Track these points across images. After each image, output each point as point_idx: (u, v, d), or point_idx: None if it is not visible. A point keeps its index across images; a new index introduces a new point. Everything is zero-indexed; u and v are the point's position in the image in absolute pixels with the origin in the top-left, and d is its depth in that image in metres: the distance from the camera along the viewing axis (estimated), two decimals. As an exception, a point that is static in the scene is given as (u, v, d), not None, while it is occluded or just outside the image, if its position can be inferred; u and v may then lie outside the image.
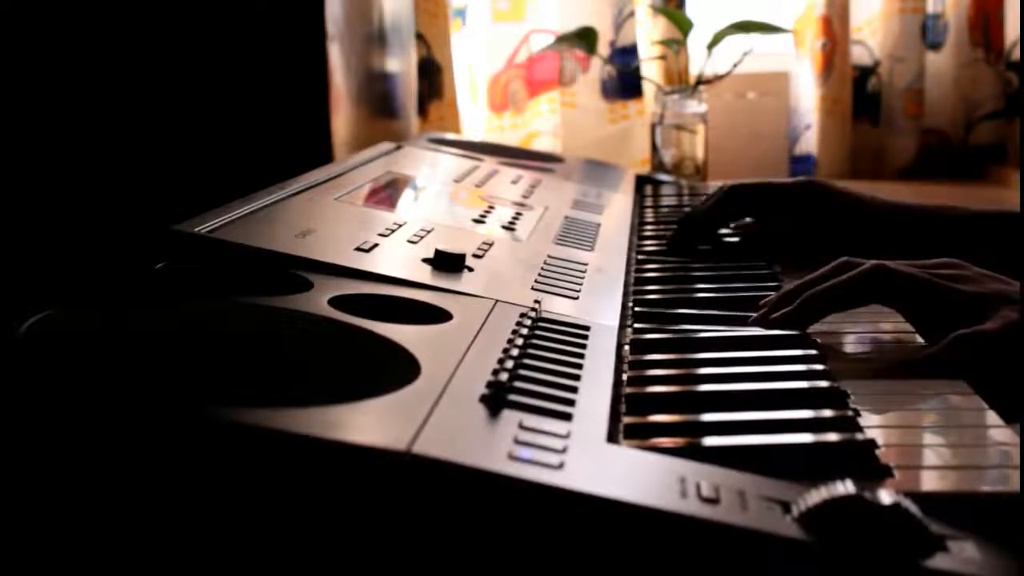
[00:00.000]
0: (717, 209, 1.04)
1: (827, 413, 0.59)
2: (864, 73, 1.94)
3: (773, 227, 1.04)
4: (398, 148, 1.26)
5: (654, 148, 1.61)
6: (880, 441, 0.55)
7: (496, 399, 0.51)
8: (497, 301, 0.71)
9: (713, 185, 1.49)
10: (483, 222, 0.95)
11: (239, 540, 0.44)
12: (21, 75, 1.11)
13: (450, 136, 1.57)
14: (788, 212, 1.02)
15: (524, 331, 0.63)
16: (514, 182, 1.18)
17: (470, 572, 0.44)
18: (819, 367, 0.66)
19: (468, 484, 0.44)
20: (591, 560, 0.43)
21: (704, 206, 1.05)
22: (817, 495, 0.44)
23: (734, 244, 1.05)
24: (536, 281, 0.78)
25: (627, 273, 0.90)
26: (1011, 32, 1.92)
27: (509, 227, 0.95)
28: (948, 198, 1.04)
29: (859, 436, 0.55)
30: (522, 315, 0.67)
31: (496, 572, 0.43)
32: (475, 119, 1.91)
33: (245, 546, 0.44)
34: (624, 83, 1.86)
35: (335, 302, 0.64)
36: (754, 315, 0.76)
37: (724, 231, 1.06)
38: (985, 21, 1.92)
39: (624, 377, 0.64)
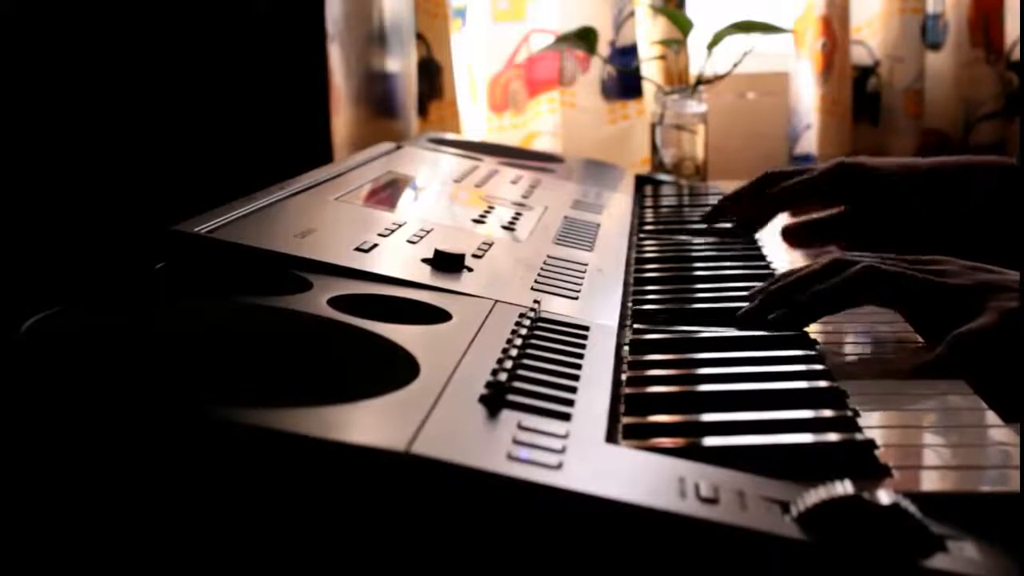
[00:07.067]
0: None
1: (826, 413, 0.59)
2: (864, 73, 1.94)
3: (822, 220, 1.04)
4: (398, 148, 1.26)
5: (654, 148, 1.61)
6: (879, 441, 0.55)
7: (495, 399, 0.51)
8: (496, 301, 0.71)
9: (713, 185, 1.49)
10: (483, 222, 0.95)
11: (239, 539, 0.44)
12: (21, 75, 1.11)
13: (450, 136, 1.57)
14: (831, 200, 1.03)
15: (523, 331, 0.63)
16: (514, 182, 1.18)
17: (469, 572, 0.44)
18: (818, 367, 0.66)
19: (467, 484, 0.44)
20: (590, 560, 0.43)
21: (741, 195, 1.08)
22: (816, 495, 0.45)
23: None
24: (536, 281, 0.78)
25: (626, 273, 0.90)
26: (1011, 32, 1.91)
27: (509, 227, 0.95)
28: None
29: (858, 436, 0.56)
30: (521, 315, 0.67)
31: (494, 572, 0.43)
32: (475, 119, 1.91)
33: (245, 545, 0.44)
34: (624, 83, 1.86)
35: (334, 302, 0.64)
36: (744, 307, 0.76)
37: None
38: (985, 21, 1.92)
39: (623, 377, 0.64)
